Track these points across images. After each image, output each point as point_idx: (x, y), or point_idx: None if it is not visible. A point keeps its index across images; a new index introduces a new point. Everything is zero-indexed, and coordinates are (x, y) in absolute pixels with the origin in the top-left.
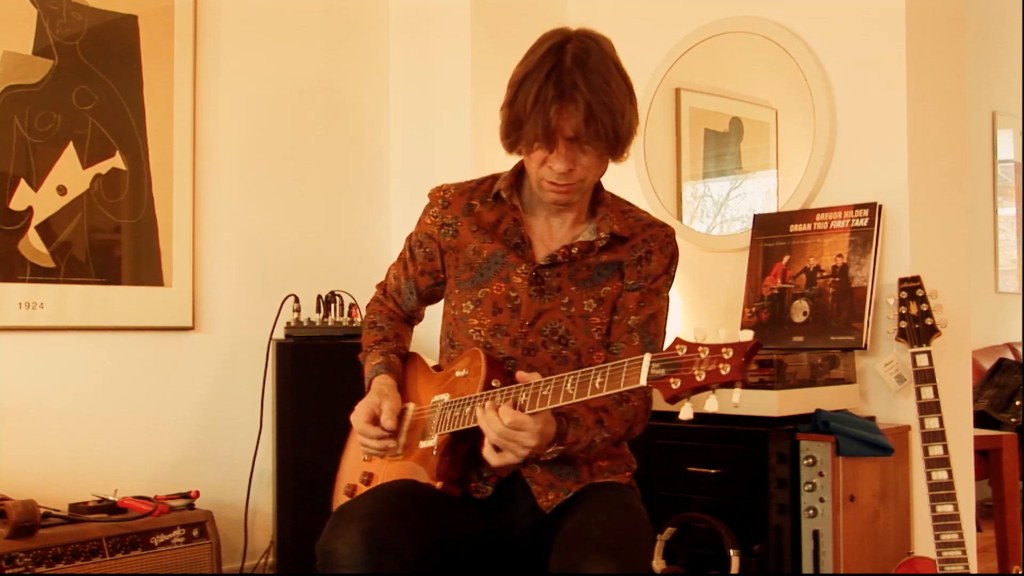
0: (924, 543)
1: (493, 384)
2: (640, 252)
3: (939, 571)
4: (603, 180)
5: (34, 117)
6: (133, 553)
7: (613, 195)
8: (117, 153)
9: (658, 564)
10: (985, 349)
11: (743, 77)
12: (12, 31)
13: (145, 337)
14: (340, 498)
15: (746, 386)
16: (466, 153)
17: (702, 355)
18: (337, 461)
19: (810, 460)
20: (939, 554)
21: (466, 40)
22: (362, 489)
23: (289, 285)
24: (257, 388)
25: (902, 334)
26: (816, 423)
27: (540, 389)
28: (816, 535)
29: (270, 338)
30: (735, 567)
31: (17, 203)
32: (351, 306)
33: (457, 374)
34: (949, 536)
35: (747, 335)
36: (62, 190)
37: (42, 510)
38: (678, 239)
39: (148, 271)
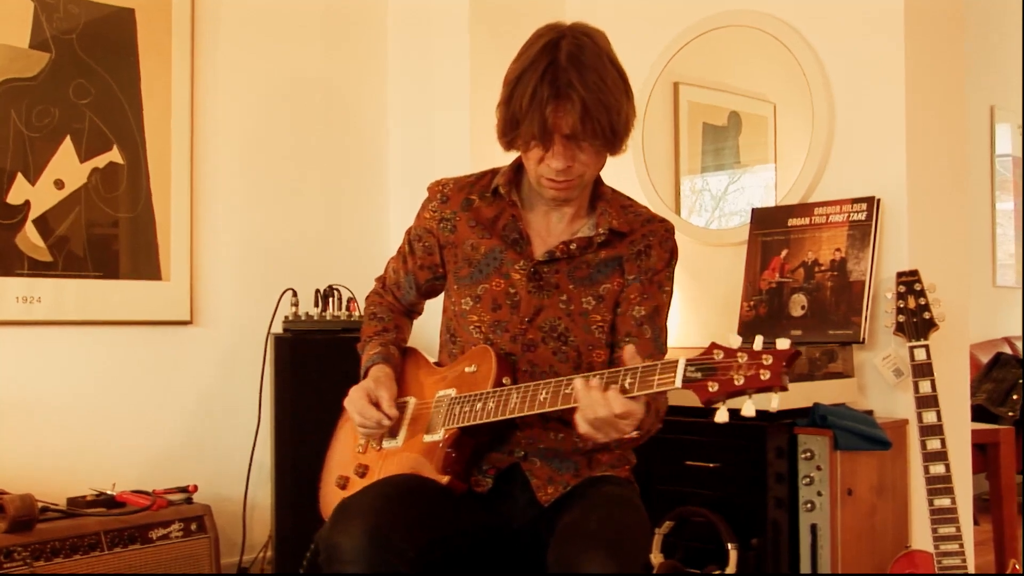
0: (922, 537)
1: (504, 382)
2: (639, 246)
3: (937, 564)
4: (602, 173)
5: (31, 111)
6: (131, 547)
7: (613, 190)
8: (115, 147)
9: (656, 558)
10: (983, 343)
11: (741, 71)
12: (8, 25)
13: (143, 331)
14: (330, 489)
15: (783, 390)
16: (464, 146)
17: (740, 360)
18: (327, 452)
19: (808, 454)
20: (936, 547)
21: (464, 35)
22: (356, 481)
23: (287, 279)
24: (255, 382)
25: (900, 328)
26: (814, 417)
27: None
28: (814, 529)
29: (268, 332)
30: (733, 561)
31: (14, 197)
32: (349, 300)
33: (466, 370)
34: (947, 530)
35: (785, 343)
36: (59, 184)
37: (40, 504)
38: (677, 233)
39: (146, 265)
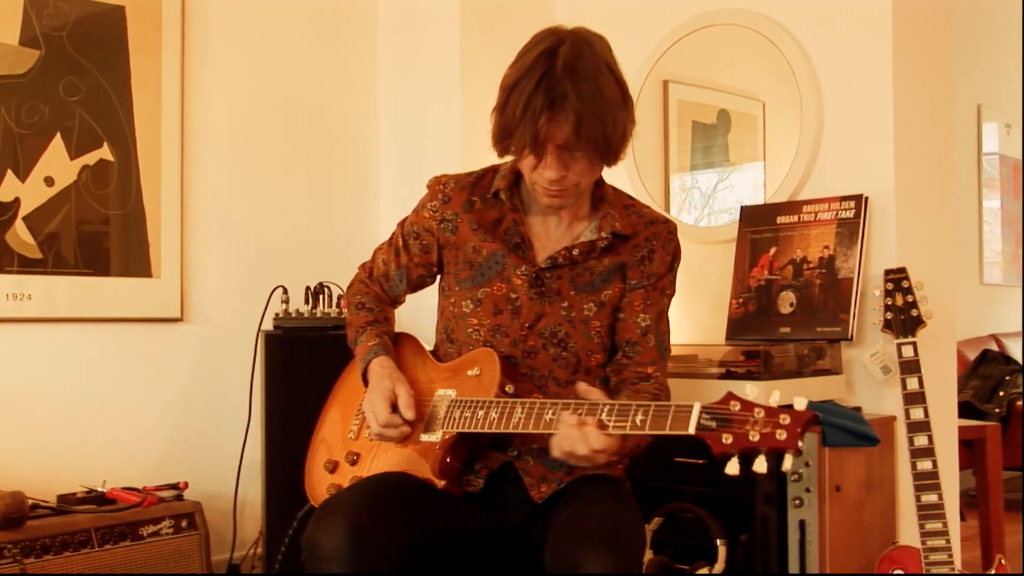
0: (909, 532)
1: (507, 389)
2: (643, 251)
3: (924, 560)
4: None
5: (21, 108)
6: (122, 544)
7: (615, 189)
8: (105, 144)
9: (646, 554)
10: (970, 340)
11: (731, 70)
12: None
13: (133, 328)
14: (318, 469)
15: (798, 454)
16: (455, 143)
17: (757, 416)
18: (315, 431)
19: None
20: (923, 543)
21: (455, 31)
22: (345, 468)
23: (278, 276)
24: (246, 379)
25: (888, 325)
26: None
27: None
28: (802, 525)
29: (259, 329)
30: (722, 557)
31: (4, 194)
32: (339, 297)
33: (469, 373)
34: (933, 525)
35: (802, 403)
36: (49, 181)
37: (30, 501)
38: None
39: (136, 262)
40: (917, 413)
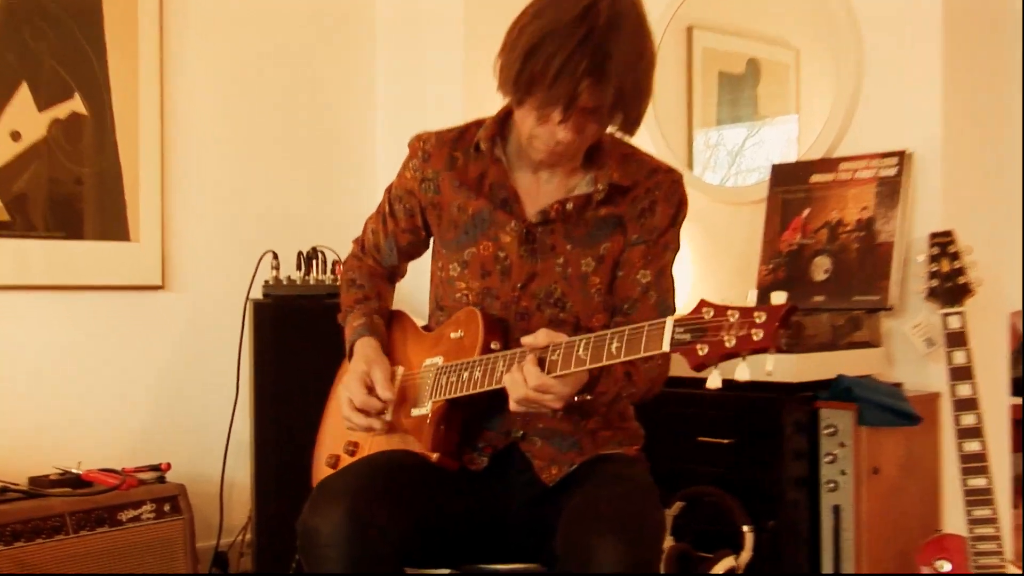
0: (953, 519)
1: (492, 347)
2: (643, 204)
3: (970, 549)
4: None
5: None
6: (99, 530)
7: (612, 137)
8: (76, 95)
9: (666, 541)
10: None
11: (761, 14)
12: None
13: (111, 296)
14: (321, 469)
15: (780, 352)
16: (456, 98)
17: (731, 319)
18: (319, 428)
19: (831, 430)
20: (970, 531)
21: None
22: (346, 460)
23: (267, 241)
24: (233, 351)
25: (932, 294)
26: (837, 390)
27: (558, 351)
28: (836, 511)
29: (247, 297)
30: (748, 545)
31: None
32: (334, 263)
33: (451, 336)
34: (981, 512)
35: (780, 297)
36: (16, 136)
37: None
38: (689, 189)
39: (113, 225)
40: (964, 390)
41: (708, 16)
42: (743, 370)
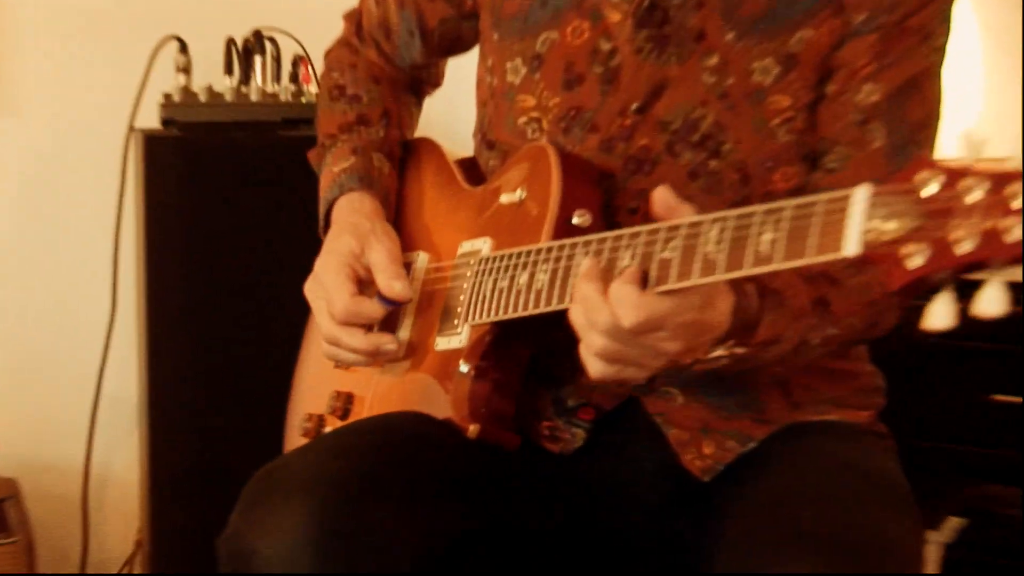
0: None
1: (575, 221)
2: None
3: None
4: None
5: None
6: None
7: None
8: None
9: None
10: None
11: None
12: None
13: None
14: (294, 437)
15: None
16: None
17: (974, 195)
18: (286, 372)
19: None
20: None
21: None
22: (333, 423)
23: (166, 22)
24: (106, 225)
25: None
26: None
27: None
28: None
29: (130, 127)
30: None
31: None
32: (298, 61)
33: (505, 199)
34: None
35: None
36: None
37: None
38: None
39: None
40: None
41: None
42: (993, 297)
